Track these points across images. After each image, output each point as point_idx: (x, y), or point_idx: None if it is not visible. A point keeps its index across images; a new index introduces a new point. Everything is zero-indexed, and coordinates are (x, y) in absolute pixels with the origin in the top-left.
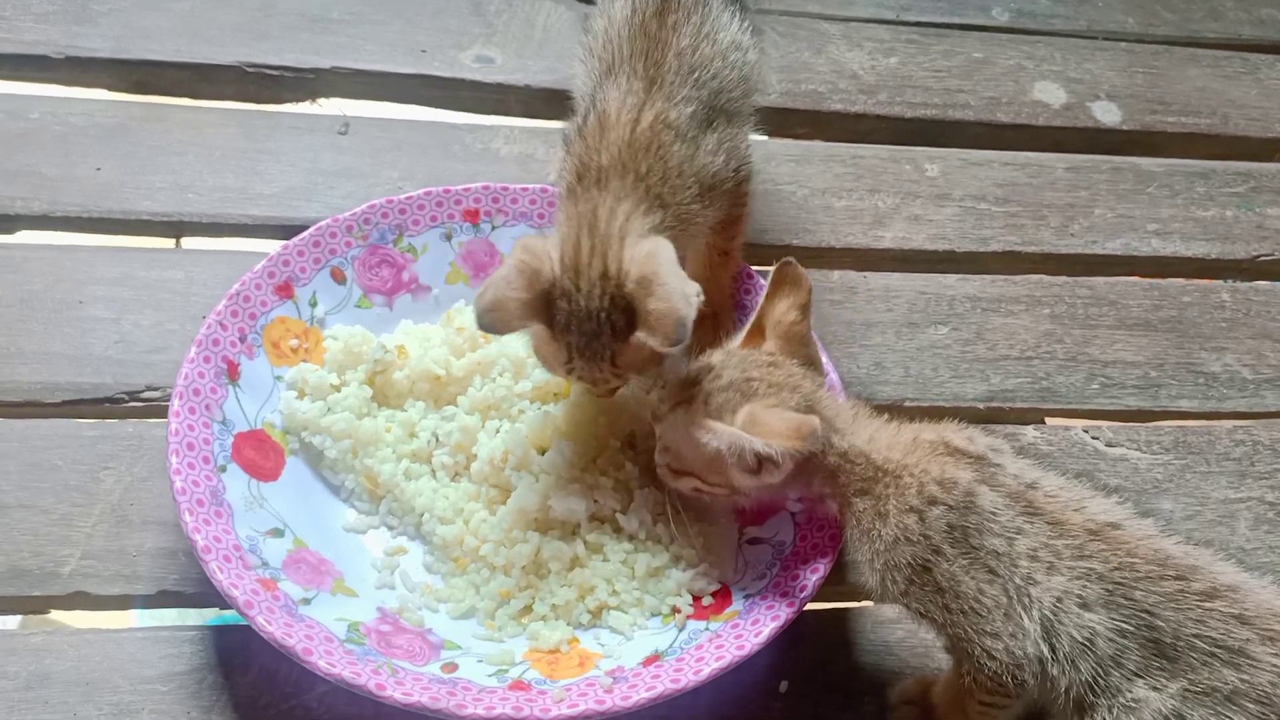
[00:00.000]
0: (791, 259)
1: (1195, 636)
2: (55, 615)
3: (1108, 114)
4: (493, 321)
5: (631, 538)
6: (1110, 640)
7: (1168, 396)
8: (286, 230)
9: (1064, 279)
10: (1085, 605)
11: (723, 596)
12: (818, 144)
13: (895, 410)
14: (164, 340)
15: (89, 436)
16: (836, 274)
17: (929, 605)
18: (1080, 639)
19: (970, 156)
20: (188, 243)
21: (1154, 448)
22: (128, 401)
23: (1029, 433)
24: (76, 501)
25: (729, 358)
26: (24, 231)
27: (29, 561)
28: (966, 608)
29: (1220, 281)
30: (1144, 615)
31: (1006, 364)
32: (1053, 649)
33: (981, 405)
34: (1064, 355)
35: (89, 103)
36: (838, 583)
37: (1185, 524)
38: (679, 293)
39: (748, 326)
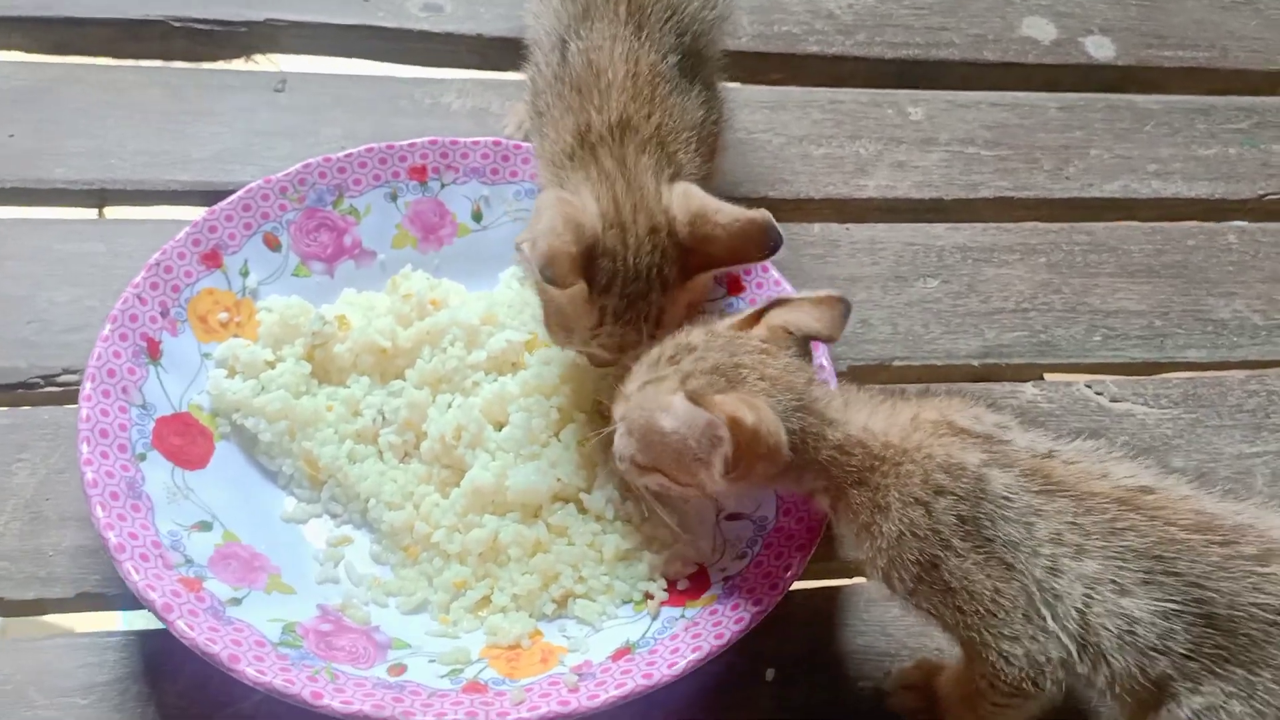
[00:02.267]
0: (844, 298)
1: (1253, 605)
2: None
3: (1101, 49)
4: (555, 274)
5: (599, 518)
6: (1154, 624)
7: (1174, 346)
8: (218, 196)
9: (1060, 225)
10: (1123, 590)
11: (700, 580)
12: (794, 89)
13: (883, 370)
14: (83, 318)
15: (1, 426)
16: (817, 226)
17: (939, 606)
18: (1119, 630)
19: (956, 98)
20: (111, 212)
21: (1162, 401)
22: (43, 386)
23: (1028, 390)
24: None
25: (714, 338)
26: None
27: None
28: (981, 609)
29: (1227, 223)
30: (1191, 589)
31: (1001, 317)
32: (1083, 646)
33: (976, 362)
34: (1063, 306)
35: (2, 64)
36: (827, 558)
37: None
38: (738, 209)
39: (748, 311)
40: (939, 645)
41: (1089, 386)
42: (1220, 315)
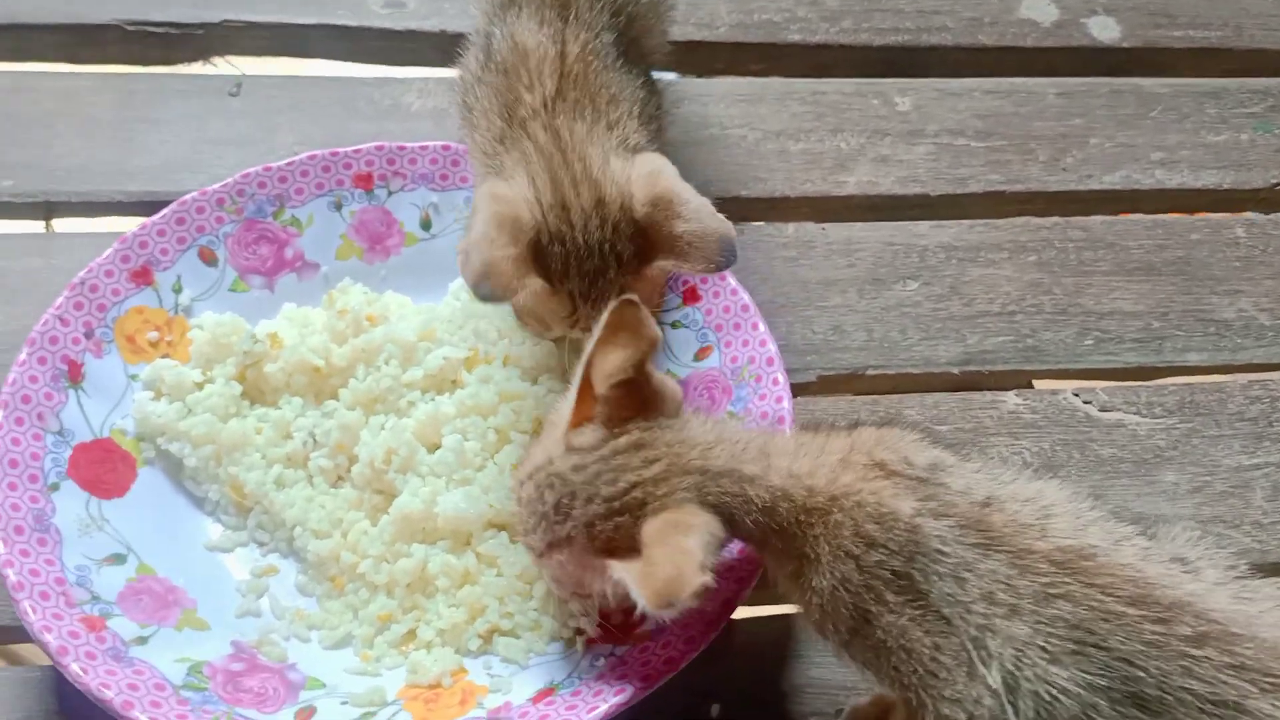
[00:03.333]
0: (634, 300)
1: (1183, 690)
2: None
3: (1105, 30)
4: (490, 290)
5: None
6: (1079, 697)
7: (1173, 350)
8: (164, 207)
9: (1054, 220)
10: (1052, 659)
11: (633, 616)
12: (773, 80)
13: (856, 380)
14: (19, 339)
15: None
16: (791, 227)
17: (874, 662)
18: (1046, 697)
19: (948, 86)
20: (60, 224)
21: (1155, 410)
22: None
23: (1010, 400)
24: None
25: (585, 462)
26: None
27: None
28: (920, 668)
29: (1233, 215)
30: (1121, 665)
31: (986, 321)
32: (1016, 711)
33: (956, 369)
34: (1052, 308)
35: None
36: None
37: (1192, 498)
38: (706, 210)
39: (573, 393)
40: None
41: (1077, 395)
42: (1224, 315)
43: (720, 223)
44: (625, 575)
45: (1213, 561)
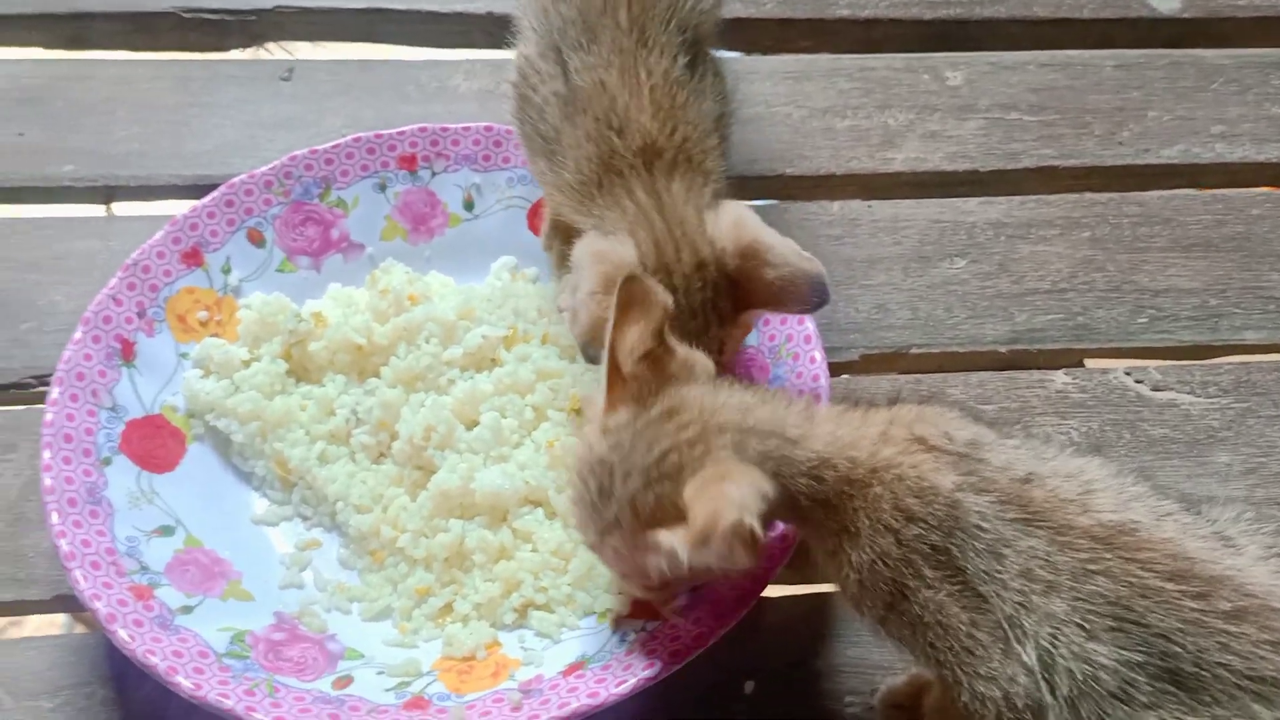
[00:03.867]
0: (636, 273)
1: (1219, 665)
2: None
3: (1165, 1)
4: (598, 352)
5: (566, 524)
6: (1117, 673)
7: (1230, 328)
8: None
9: (1109, 196)
10: (1090, 635)
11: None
12: (821, 57)
13: (899, 358)
14: (77, 319)
15: None
16: (837, 205)
17: (910, 638)
18: (1081, 675)
19: (1001, 60)
20: (119, 208)
21: (1210, 390)
22: (35, 386)
23: (1058, 379)
24: None
25: (620, 439)
26: None
27: None
28: (956, 645)
29: None
30: (1158, 641)
31: (1035, 299)
32: (1052, 689)
33: (1003, 348)
34: (1105, 285)
35: (14, 64)
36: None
37: (1245, 479)
38: (793, 252)
39: (603, 380)
40: None
41: (1128, 374)
42: None
43: (809, 263)
44: (670, 539)
45: (1254, 538)
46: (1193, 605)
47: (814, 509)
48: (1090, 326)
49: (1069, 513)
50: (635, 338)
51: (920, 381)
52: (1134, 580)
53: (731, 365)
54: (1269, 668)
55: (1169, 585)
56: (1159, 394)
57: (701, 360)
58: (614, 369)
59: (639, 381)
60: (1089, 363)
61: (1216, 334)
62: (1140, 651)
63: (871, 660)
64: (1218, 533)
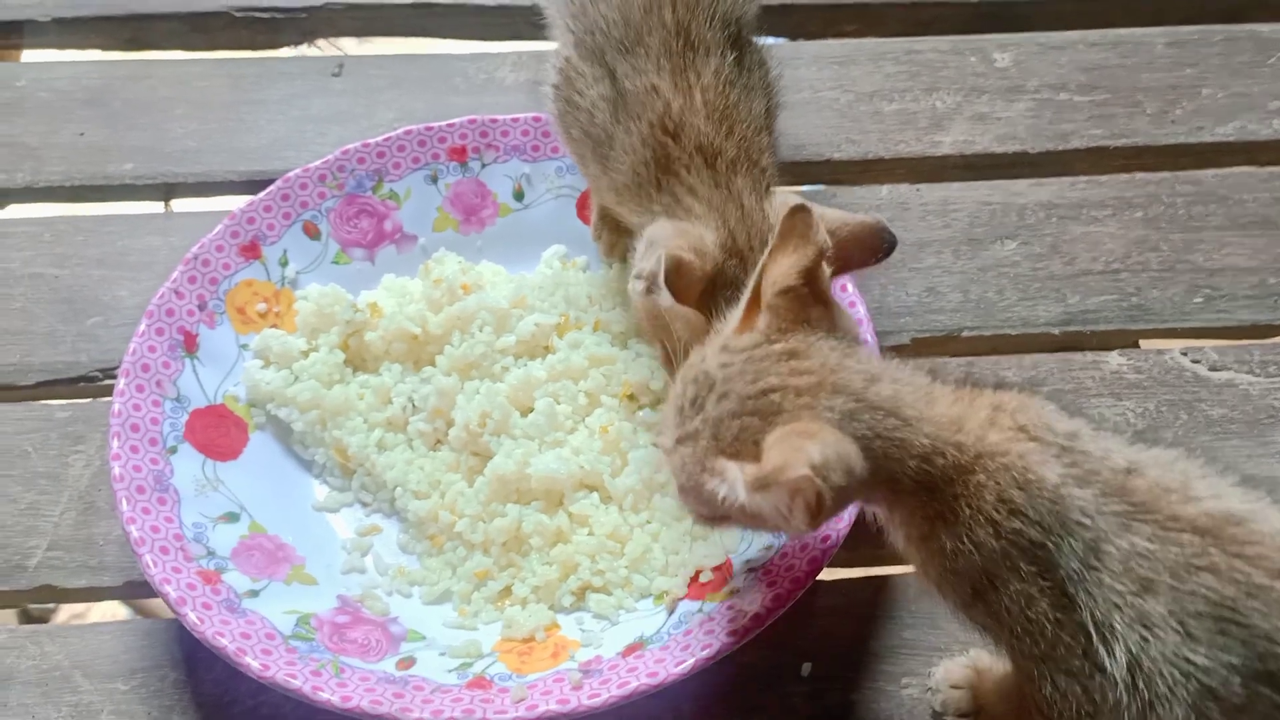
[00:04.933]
0: (804, 203)
1: None
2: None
3: None
4: (674, 283)
5: (621, 508)
6: (1211, 673)
7: None
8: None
9: (1162, 175)
10: (1185, 637)
11: (724, 571)
12: (867, 41)
13: (951, 341)
14: (142, 313)
15: (60, 419)
16: (885, 189)
17: (993, 626)
18: (1171, 676)
19: (1050, 40)
20: (178, 204)
21: (1270, 369)
22: (102, 379)
23: (1113, 359)
24: (44, 489)
25: (732, 360)
26: (12, 205)
27: None
28: (1041, 639)
29: None
30: (1260, 642)
31: (1088, 280)
32: (1133, 690)
33: (1056, 330)
34: (1159, 265)
35: (74, 65)
36: (875, 544)
37: None
38: (846, 214)
39: (744, 301)
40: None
41: (1185, 354)
42: None
43: (865, 216)
44: (735, 471)
45: None
46: None
47: (916, 491)
48: (1145, 307)
49: (1173, 501)
50: (784, 269)
51: (973, 364)
52: (1239, 578)
53: None
54: None
55: (1277, 583)
56: (1217, 374)
57: (849, 319)
58: (755, 298)
59: (775, 313)
60: (1144, 344)
61: (1276, 313)
62: (1239, 653)
63: (928, 642)
64: None
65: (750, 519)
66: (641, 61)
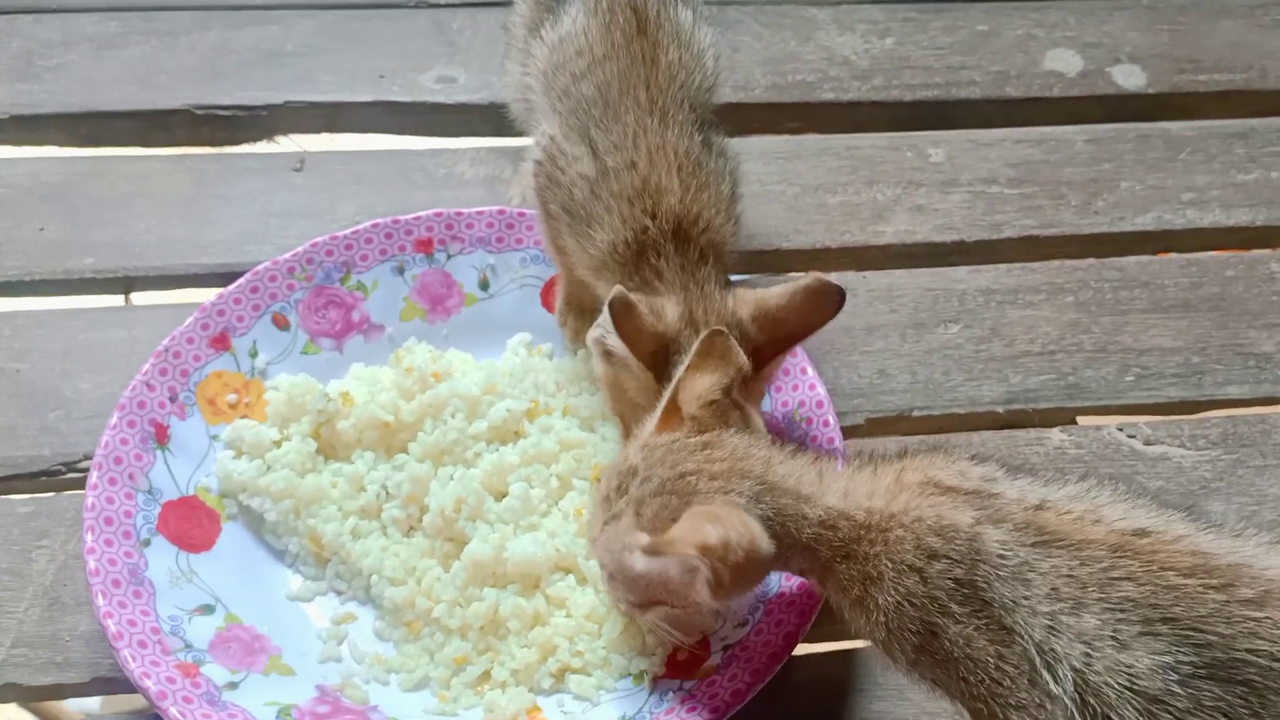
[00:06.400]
0: (723, 329)
1: (1249, 651)
2: None
3: (1130, 78)
4: (621, 308)
5: (597, 589)
6: (1153, 676)
7: (1213, 384)
8: (236, 277)
9: (1089, 262)
10: (1121, 645)
11: (701, 649)
12: (809, 138)
13: (902, 421)
14: (105, 405)
15: (22, 514)
16: (833, 276)
17: (943, 677)
18: (1116, 689)
19: (979, 137)
20: (138, 298)
21: (1199, 443)
22: (65, 473)
23: (1055, 436)
24: (7, 585)
25: (651, 453)
26: None
27: None
28: (986, 677)
29: (1268, 251)
30: (1189, 634)
31: (1027, 361)
32: (1082, 707)
33: (1001, 409)
34: (1092, 346)
35: (35, 161)
36: (839, 620)
37: (1239, 527)
38: (784, 286)
39: (660, 409)
40: (960, 711)
41: (1121, 430)
42: (1263, 348)
43: (804, 277)
44: (637, 539)
45: (1257, 535)
46: (1216, 597)
47: (833, 560)
48: (1081, 385)
49: (1085, 528)
50: (705, 385)
51: (924, 442)
52: (1157, 581)
53: None
54: None
55: (1189, 581)
56: (1151, 448)
57: (759, 422)
58: (672, 406)
59: (698, 422)
60: (1081, 420)
61: (1201, 390)
62: (1172, 653)
63: (897, 714)
64: (1223, 525)
65: (667, 595)
66: (619, 138)
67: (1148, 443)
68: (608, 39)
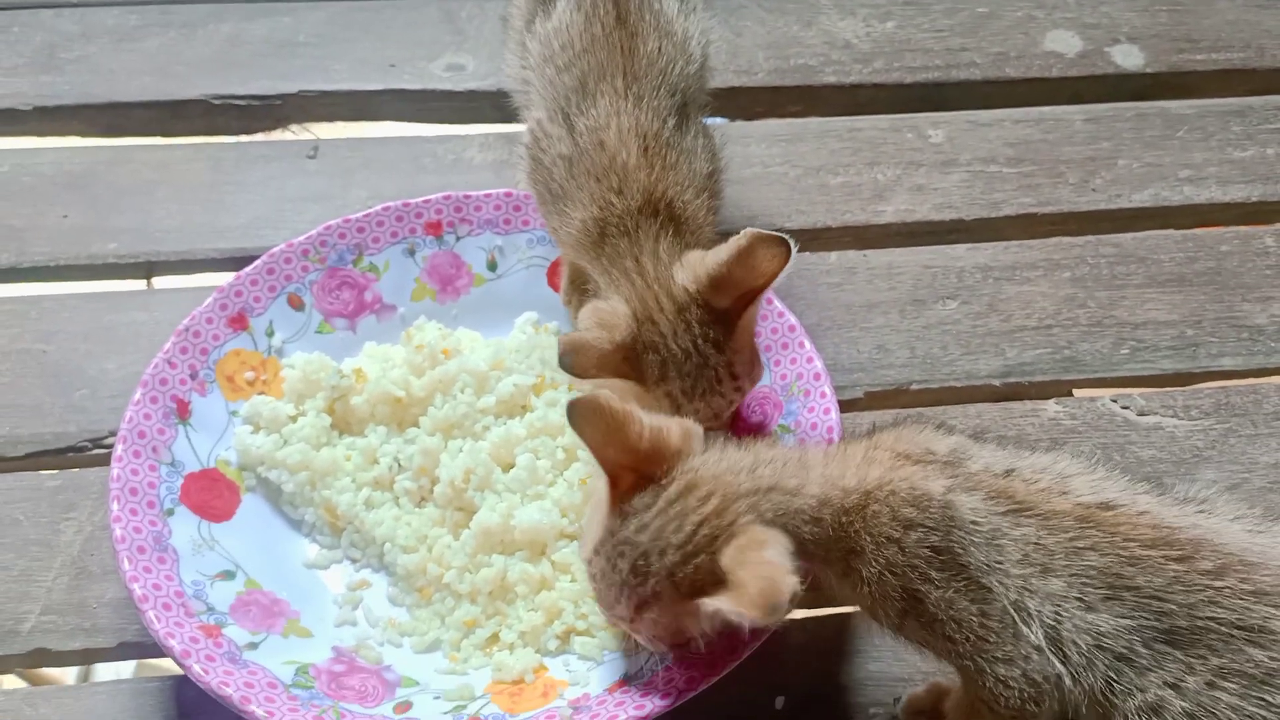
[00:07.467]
0: (582, 399)
1: (1210, 619)
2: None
3: (1129, 58)
4: (571, 364)
5: None
6: (1118, 637)
7: (1207, 355)
8: (252, 261)
9: (1086, 238)
10: (1088, 607)
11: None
12: (811, 120)
13: (901, 394)
14: (129, 384)
15: (50, 488)
16: (834, 255)
17: (928, 638)
18: (1088, 645)
19: (978, 118)
20: (159, 282)
21: (1192, 413)
22: (90, 449)
23: (1050, 408)
24: (36, 556)
25: (645, 522)
26: None
27: None
28: (971, 635)
29: (1263, 226)
30: (1151, 603)
31: (1024, 335)
32: (1065, 660)
33: (998, 382)
34: (1088, 321)
35: (58, 151)
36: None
37: (1230, 495)
38: (723, 248)
39: (604, 488)
40: (952, 670)
41: (1115, 400)
42: (1256, 321)
43: (742, 233)
44: (722, 604)
45: (1227, 504)
46: (1177, 567)
47: (819, 542)
48: (1076, 359)
49: (1052, 499)
50: (614, 454)
51: (922, 414)
52: (1121, 552)
53: (748, 403)
54: (1254, 616)
55: (1152, 552)
56: (1145, 418)
57: (689, 425)
58: (611, 479)
59: (628, 472)
60: (1077, 392)
61: (1195, 361)
62: (1135, 616)
63: (892, 674)
64: (1188, 498)
65: (714, 627)
66: (593, 120)
67: (1141, 413)
68: (589, 32)
